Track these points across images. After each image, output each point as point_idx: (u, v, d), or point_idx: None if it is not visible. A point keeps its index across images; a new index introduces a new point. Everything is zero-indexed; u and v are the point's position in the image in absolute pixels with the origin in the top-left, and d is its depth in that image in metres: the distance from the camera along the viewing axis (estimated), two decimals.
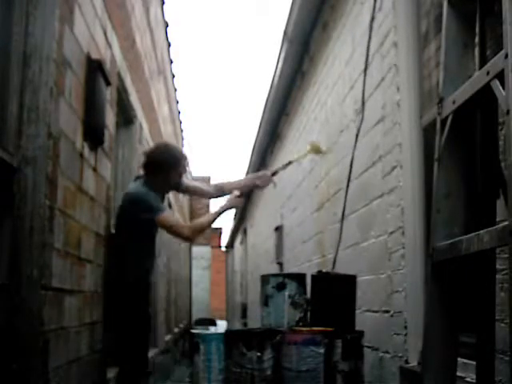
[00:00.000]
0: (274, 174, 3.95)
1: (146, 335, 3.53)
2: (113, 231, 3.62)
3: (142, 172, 3.73)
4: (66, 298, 2.86)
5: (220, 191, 3.87)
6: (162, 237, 8.58)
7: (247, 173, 11.25)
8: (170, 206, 10.18)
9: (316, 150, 4.58)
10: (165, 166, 3.48)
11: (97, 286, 3.58)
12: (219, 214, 3.64)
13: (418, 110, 2.99)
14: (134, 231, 3.42)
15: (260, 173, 4.07)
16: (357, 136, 3.66)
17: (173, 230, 3.32)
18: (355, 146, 3.68)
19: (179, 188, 3.77)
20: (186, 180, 3.80)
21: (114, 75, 4.00)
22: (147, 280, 3.52)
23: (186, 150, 3.65)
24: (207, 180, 19.79)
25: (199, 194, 3.94)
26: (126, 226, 3.48)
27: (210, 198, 4.10)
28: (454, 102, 1.93)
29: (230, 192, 3.92)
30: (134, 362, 3.38)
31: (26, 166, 2.41)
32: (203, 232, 3.85)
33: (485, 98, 1.82)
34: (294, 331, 2.87)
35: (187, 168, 3.65)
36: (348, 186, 3.82)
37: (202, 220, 3.79)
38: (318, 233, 4.97)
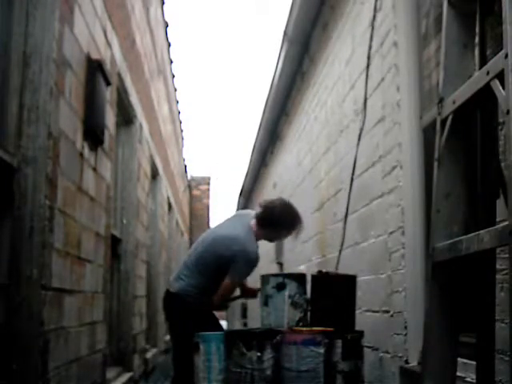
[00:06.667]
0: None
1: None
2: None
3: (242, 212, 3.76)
4: (66, 298, 2.86)
5: None
6: (162, 238, 8.59)
7: (247, 172, 11.22)
8: (169, 206, 10.19)
9: None
10: (281, 225, 3.49)
11: (97, 286, 3.58)
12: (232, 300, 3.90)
13: (418, 110, 2.99)
14: (215, 270, 3.44)
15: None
16: (360, 135, 3.65)
17: (218, 294, 3.45)
18: (358, 144, 3.67)
19: None
20: None
21: (114, 75, 4.00)
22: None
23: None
24: (207, 181, 19.85)
25: None
26: (212, 260, 3.46)
27: None
28: (454, 102, 1.93)
29: None
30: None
31: (26, 166, 2.41)
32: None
33: (485, 98, 1.81)
34: (294, 331, 2.87)
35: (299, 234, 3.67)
36: (351, 185, 3.81)
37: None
38: (318, 233, 4.96)
